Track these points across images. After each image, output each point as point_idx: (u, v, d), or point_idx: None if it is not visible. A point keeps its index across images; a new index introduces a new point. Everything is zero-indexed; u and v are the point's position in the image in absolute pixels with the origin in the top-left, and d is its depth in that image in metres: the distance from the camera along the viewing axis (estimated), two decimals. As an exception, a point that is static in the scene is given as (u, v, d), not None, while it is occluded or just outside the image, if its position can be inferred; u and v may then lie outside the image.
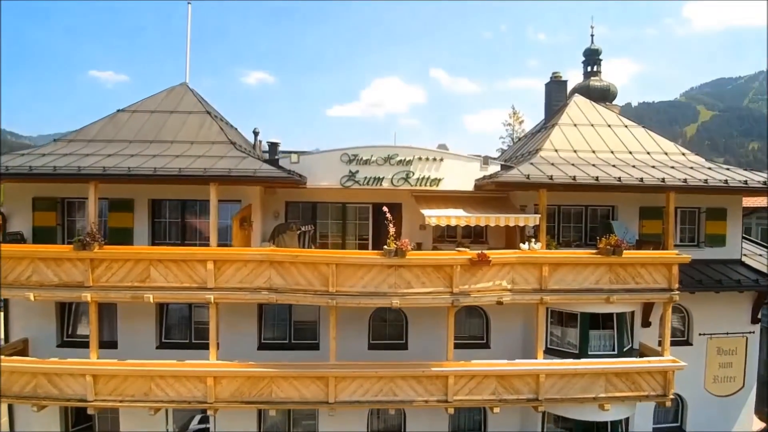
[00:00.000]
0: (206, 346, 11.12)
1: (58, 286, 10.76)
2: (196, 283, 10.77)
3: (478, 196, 12.99)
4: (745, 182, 11.93)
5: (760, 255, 14.95)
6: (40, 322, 12.38)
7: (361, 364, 11.15)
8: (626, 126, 14.89)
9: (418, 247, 13.38)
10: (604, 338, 12.13)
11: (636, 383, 11.50)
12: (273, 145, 24.46)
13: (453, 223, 11.69)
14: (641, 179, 11.65)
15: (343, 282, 10.58)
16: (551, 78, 16.72)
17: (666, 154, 13.92)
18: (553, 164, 12.51)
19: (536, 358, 11.49)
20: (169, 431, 12.97)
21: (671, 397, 11.62)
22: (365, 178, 12.17)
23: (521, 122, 39.59)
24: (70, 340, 12.72)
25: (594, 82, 35.82)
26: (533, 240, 11.51)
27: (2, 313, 12.68)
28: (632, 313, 12.64)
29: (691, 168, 12.88)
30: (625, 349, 12.26)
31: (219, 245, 11.15)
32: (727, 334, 13.86)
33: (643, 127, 15.23)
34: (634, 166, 12.75)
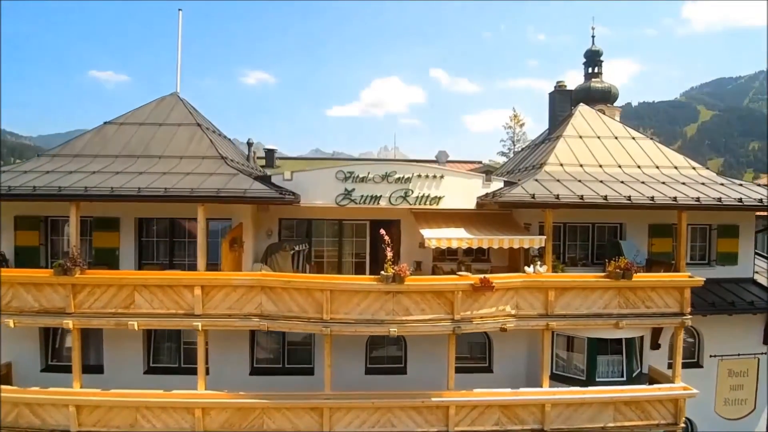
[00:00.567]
0: (196, 371, 10.57)
1: (39, 313, 10.26)
2: (183, 310, 10.23)
3: (481, 214, 12.42)
4: (761, 201, 11.40)
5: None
6: (23, 346, 11.84)
7: (357, 394, 10.57)
8: (634, 138, 14.30)
9: (418, 266, 12.85)
10: (612, 364, 11.62)
11: (646, 411, 10.96)
12: (269, 152, 23.94)
13: (454, 245, 11.15)
14: (652, 198, 11.12)
15: (338, 309, 10.03)
16: (555, 87, 16.17)
17: (676, 168, 13.34)
18: (558, 180, 11.96)
19: (541, 386, 10.93)
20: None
21: (682, 426, 11.11)
22: (362, 196, 11.53)
23: (522, 124, 39.25)
24: (54, 364, 12.21)
25: (595, 83, 35.36)
26: (538, 262, 10.98)
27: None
28: (641, 337, 12.11)
29: (703, 184, 12.33)
30: (634, 375, 11.75)
31: (209, 265, 10.61)
32: (739, 355, 13.34)
33: (651, 139, 14.68)
34: (643, 182, 12.21)
